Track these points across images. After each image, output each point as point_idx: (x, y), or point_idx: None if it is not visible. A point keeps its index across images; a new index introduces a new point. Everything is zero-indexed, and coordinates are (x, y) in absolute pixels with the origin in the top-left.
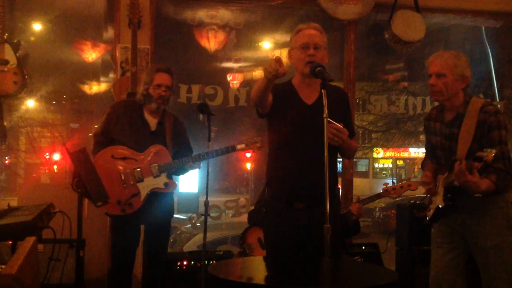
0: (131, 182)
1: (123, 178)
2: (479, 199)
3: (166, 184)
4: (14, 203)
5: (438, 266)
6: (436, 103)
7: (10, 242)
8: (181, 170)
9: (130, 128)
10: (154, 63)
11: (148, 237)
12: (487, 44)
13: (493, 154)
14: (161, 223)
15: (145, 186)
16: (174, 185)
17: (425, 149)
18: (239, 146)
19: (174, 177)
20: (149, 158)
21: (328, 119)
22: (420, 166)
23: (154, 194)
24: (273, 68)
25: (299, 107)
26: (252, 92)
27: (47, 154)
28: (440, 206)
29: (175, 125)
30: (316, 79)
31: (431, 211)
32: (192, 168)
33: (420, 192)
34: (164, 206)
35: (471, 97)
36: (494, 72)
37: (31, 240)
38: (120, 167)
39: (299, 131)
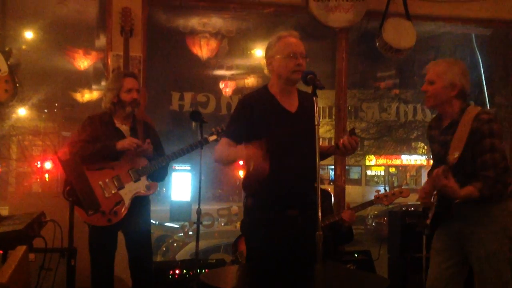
0: (113, 191)
1: (103, 188)
2: (474, 208)
3: (147, 187)
4: (5, 212)
5: (434, 274)
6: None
7: (1, 251)
8: (161, 173)
9: (106, 140)
10: (146, 70)
11: (130, 246)
12: (477, 52)
13: (455, 157)
14: (141, 230)
15: (127, 192)
16: (155, 187)
17: (432, 158)
18: (211, 138)
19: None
20: (125, 164)
21: (353, 129)
22: (413, 173)
23: (134, 200)
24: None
25: (283, 116)
26: (219, 157)
27: (39, 162)
28: (433, 213)
29: (146, 129)
30: (293, 86)
31: (429, 220)
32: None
33: (413, 199)
34: (142, 211)
35: (468, 106)
36: (485, 79)
37: (22, 249)
38: (98, 178)
39: (286, 140)
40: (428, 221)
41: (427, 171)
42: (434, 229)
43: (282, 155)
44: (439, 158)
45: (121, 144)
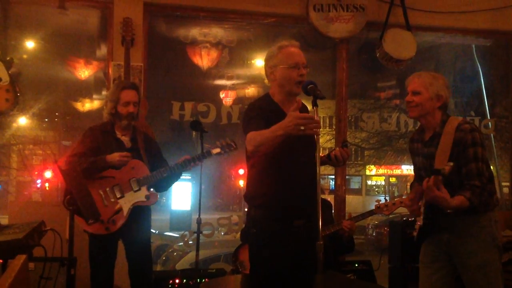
0: (112, 200)
1: (102, 197)
2: (461, 219)
3: (147, 197)
4: (5, 221)
5: (425, 287)
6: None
7: (1, 261)
8: (164, 184)
9: (107, 151)
10: (146, 80)
11: (130, 255)
12: (477, 62)
13: (449, 167)
14: (142, 239)
15: (127, 202)
16: (156, 197)
17: (413, 171)
18: (214, 151)
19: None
20: (127, 173)
21: (346, 142)
22: None
23: (134, 209)
24: (309, 126)
25: None
26: (255, 145)
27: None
28: (420, 225)
29: (146, 141)
30: (294, 96)
31: (416, 231)
32: (179, 175)
33: None
34: (142, 221)
35: (449, 117)
36: (485, 90)
37: (21, 258)
38: (99, 187)
39: (292, 150)
40: (415, 233)
41: (410, 183)
42: (421, 241)
43: (289, 165)
44: (424, 170)
45: (110, 158)
